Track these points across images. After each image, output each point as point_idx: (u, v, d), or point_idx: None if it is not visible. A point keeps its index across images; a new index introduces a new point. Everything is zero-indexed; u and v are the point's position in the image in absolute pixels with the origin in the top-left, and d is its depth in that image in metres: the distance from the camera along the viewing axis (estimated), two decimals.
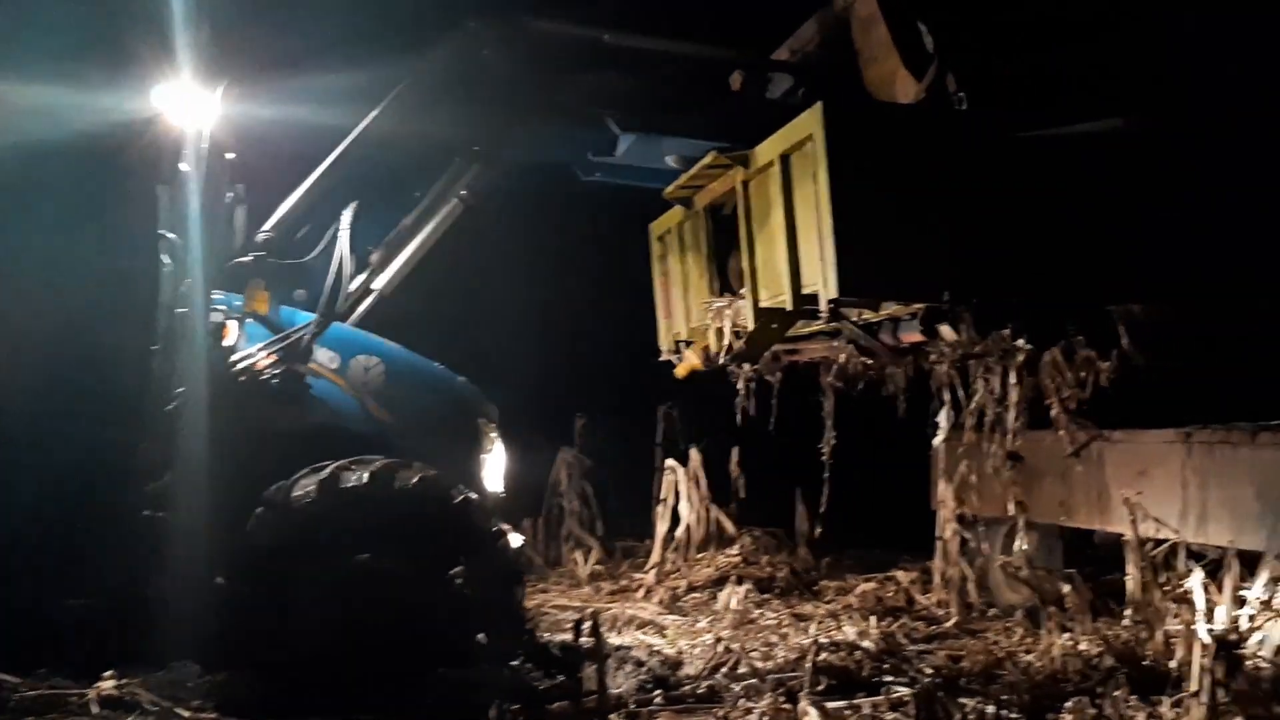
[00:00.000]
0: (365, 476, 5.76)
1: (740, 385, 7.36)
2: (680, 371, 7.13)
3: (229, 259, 6.32)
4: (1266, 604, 6.48)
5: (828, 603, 9.34)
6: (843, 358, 7.11)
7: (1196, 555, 7.06)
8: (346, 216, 6.34)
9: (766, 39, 7.05)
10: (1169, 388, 6.39)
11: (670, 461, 10.86)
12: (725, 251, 6.84)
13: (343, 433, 6.28)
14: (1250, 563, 6.78)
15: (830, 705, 5.84)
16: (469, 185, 6.69)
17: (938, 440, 6.69)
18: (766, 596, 9.48)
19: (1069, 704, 5.35)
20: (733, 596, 9.19)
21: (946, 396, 6.37)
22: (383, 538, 5.79)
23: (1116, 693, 5.37)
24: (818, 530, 9.56)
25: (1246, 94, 5.72)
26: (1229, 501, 6.95)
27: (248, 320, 6.30)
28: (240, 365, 6.18)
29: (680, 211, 7.30)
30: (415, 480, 5.86)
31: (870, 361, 6.87)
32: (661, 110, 6.36)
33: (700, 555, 10.49)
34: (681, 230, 7.40)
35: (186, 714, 5.43)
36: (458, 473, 6.23)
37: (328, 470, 5.79)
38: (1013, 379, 5.96)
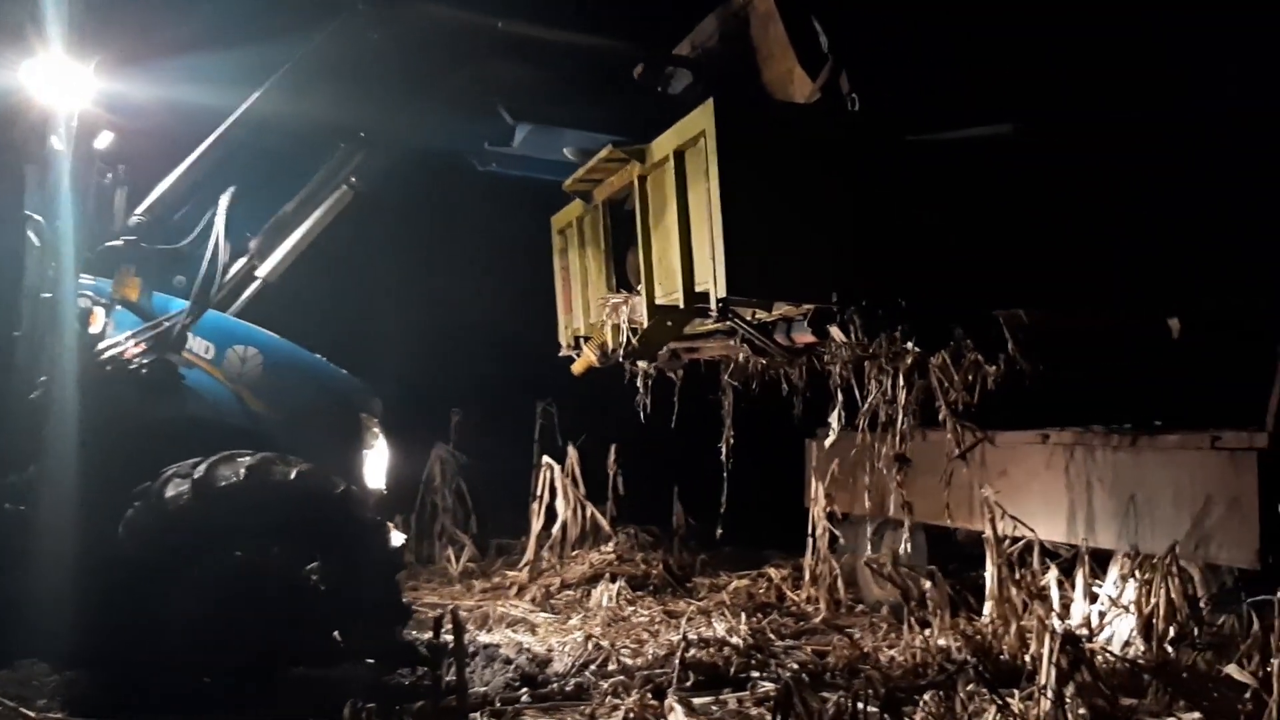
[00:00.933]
0: (241, 473, 5.62)
1: (640, 383, 7.31)
2: (577, 368, 6.99)
3: (101, 242, 6.06)
4: (1115, 600, 6.85)
5: (700, 600, 9.46)
6: (741, 357, 7.05)
7: (1053, 553, 7.39)
8: (224, 201, 6.13)
9: (674, 32, 6.96)
10: (1056, 392, 6.59)
11: (546, 459, 10.80)
12: (624, 247, 6.73)
13: (217, 425, 6.10)
14: (1103, 560, 7.16)
15: (697, 701, 5.93)
16: (356, 172, 6.53)
17: (828, 441, 6.77)
18: (640, 594, 9.53)
19: (924, 698, 5.47)
20: (606, 594, 9.21)
21: (840, 397, 6.44)
22: (255, 535, 5.71)
23: (969, 686, 5.55)
24: (719, 531, 9.58)
25: (1122, 102, 5.94)
26: (1083, 501, 7.26)
27: (117, 307, 6.05)
28: (108, 353, 5.93)
29: (580, 205, 7.17)
30: (293, 475, 5.74)
31: (765, 361, 6.92)
32: (557, 101, 6.27)
33: (575, 553, 10.47)
34: (581, 224, 7.27)
35: (32, 714, 5.24)
36: (337, 468, 6.11)
37: (203, 467, 5.64)
38: (901, 381, 6.06)
